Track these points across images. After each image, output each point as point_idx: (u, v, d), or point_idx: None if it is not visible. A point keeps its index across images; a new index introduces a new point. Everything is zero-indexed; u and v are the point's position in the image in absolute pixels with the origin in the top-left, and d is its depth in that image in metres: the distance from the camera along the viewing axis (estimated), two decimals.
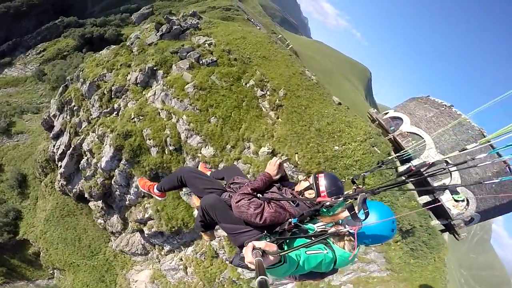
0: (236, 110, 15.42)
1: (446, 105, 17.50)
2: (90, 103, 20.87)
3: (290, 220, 2.23)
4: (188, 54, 18.22)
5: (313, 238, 2.03)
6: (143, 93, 18.17)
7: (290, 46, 35.90)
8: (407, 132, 17.61)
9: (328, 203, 2.18)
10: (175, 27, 20.69)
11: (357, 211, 1.93)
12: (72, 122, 22.52)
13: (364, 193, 1.91)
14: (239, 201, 2.36)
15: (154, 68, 18.19)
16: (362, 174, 2.58)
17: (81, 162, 20.89)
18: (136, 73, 18.71)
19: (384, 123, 19.17)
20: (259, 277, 1.02)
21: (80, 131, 21.52)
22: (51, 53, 45.99)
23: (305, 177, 2.78)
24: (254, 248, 1.30)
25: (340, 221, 2.23)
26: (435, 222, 14.43)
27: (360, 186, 2.31)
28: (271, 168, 2.76)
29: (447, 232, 16.00)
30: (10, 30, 51.61)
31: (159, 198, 3.46)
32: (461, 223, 14.89)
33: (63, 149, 23.05)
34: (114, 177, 18.27)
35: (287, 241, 2.05)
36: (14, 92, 44.36)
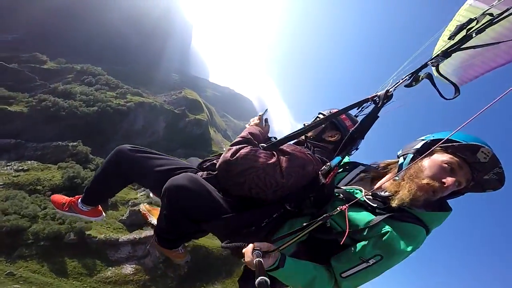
0: None
1: None
2: None
3: (328, 163, 1.42)
4: None
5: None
6: None
7: None
8: None
9: (389, 89, 1.43)
10: None
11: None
12: None
13: (434, 60, 1.42)
14: (236, 152, 1.46)
15: None
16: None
17: None
18: None
19: None
20: (259, 278, 0.98)
21: None
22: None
23: (314, 118, 1.92)
24: (254, 249, 1.19)
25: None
26: None
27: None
28: (255, 121, 1.89)
29: None
30: (37, 134, 47.97)
31: (92, 219, 2.09)
32: None
33: None
34: None
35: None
36: None
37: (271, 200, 1.46)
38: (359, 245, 1.30)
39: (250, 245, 1.21)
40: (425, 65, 1.50)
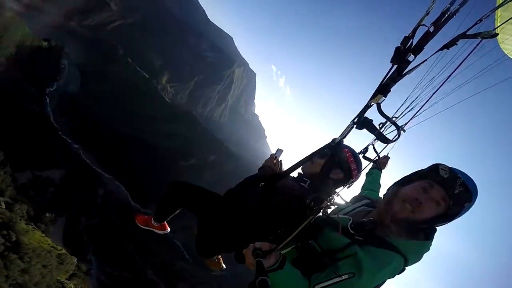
0: None
1: None
2: None
3: (309, 201, 1.68)
4: None
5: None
6: None
7: None
8: None
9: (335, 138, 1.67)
10: None
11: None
12: None
13: (375, 99, 1.38)
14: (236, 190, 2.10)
15: None
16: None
17: None
18: None
19: None
20: (260, 278, 1.01)
21: None
22: None
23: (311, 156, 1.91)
24: (255, 249, 1.28)
25: None
26: None
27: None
28: (269, 162, 2.15)
29: None
30: None
31: (160, 232, 2.96)
32: None
33: None
34: None
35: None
36: None
37: (265, 228, 1.76)
38: (336, 264, 1.43)
39: (251, 246, 1.29)
40: (368, 106, 1.46)
